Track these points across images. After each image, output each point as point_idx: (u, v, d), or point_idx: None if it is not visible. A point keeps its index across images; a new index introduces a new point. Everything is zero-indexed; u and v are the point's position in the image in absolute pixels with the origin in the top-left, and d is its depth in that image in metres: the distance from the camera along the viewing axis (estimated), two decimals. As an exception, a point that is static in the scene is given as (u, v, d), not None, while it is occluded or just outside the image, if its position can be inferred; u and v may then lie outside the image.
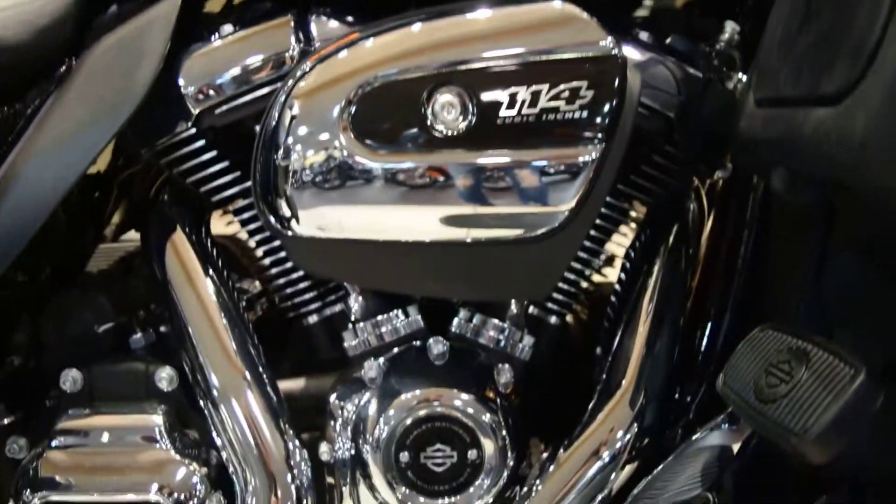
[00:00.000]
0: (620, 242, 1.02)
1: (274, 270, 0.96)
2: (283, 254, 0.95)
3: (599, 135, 0.76)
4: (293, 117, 0.81)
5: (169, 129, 0.89)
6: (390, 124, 0.79)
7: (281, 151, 0.81)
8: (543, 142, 0.76)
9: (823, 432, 0.66)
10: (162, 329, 0.99)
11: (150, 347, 0.97)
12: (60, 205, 0.98)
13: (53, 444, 0.90)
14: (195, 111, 0.88)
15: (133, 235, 1.21)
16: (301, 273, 0.95)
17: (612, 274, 1.04)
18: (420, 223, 0.80)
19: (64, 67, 0.90)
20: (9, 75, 0.90)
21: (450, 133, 0.77)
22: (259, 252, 0.98)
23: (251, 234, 0.96)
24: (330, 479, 0.90)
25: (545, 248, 0.80)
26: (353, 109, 0.78)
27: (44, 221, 0.86)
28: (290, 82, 0.81)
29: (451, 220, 0.79)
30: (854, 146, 0.62)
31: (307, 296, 0.96)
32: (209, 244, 0.95)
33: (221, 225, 1.02)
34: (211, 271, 0.92)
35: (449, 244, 0.80)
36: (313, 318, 0.97)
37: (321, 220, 0.82)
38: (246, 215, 0.94)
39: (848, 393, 0.66)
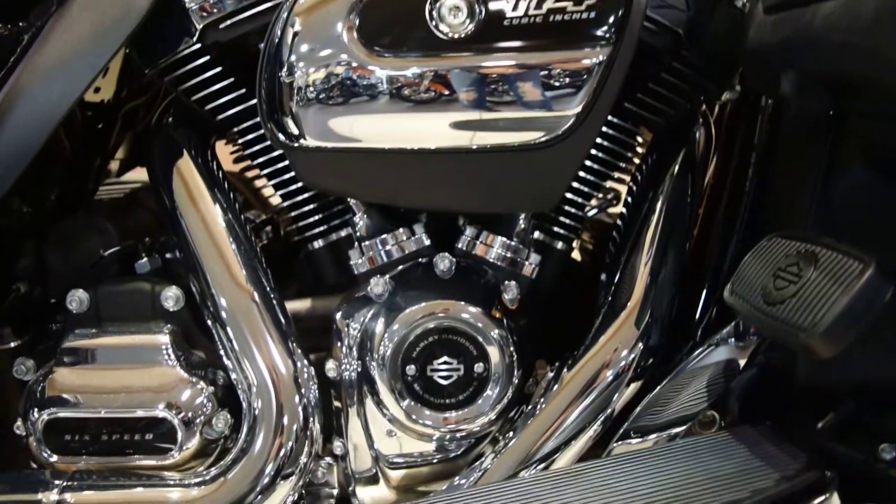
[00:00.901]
0: (623, 178, 1.01)
1: (279, 195, 0.96)
2: (287, 176, 0.94)
3: (607, 36, 0.75)
4: (296, 31, 0.80)
5: (173, 45, 0.89)
6: (396, 30, 0.78)
7: (286, 67, 0.80)
8: (550, 44, 0.76)
9: (832, 325, 0.66)
10: (167, 255, 0.99)
11: (155, 272, 0.97)
12: (64, 132, 0.98)
13: (60, 363, 0.90)
14: (199, 26, 0.88)
15: (136, 175, 1.21)
16: (306, 196, 0.94)
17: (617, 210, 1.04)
18: (425, 130, 0.79)
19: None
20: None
21: (456, 36, 0.76)
22: (263, 179, 0.97)
23: (255, 157, 0.95)
24: (336, 398, 0.90)
25: (551, 156, 0.80)
26: (358, 17, 0.77)
27: (48, 139, 0.86)
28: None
29: (456, 126, 0.79)
30: (864, 26, 0.61)
31: (312, 219, 0.96)
32: (215, 167, 0.94)
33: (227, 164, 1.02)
34: (218, 194, 0.92)
35: (454, 152, 0.80)
36: (319, 244, 0.97)
37: (327, 131, 0.81)
38: (250, 136, 0.94)
39: (857, 285, 0.65)
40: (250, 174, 1.04)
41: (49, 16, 0.88)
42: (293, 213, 0.96)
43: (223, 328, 0.88)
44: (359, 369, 0.87)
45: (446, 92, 0.78)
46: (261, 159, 0.95)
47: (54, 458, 0.88)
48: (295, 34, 0.80)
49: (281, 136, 0.83)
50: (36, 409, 0.88)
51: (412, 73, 0.78)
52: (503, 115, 0.79)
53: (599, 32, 0.76)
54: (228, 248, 0.89)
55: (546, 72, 0.77)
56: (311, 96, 0.81)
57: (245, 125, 0.93)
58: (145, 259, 0.97)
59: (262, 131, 0.92)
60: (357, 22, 0.78)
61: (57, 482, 0.84)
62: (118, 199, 1.09)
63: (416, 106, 0.79)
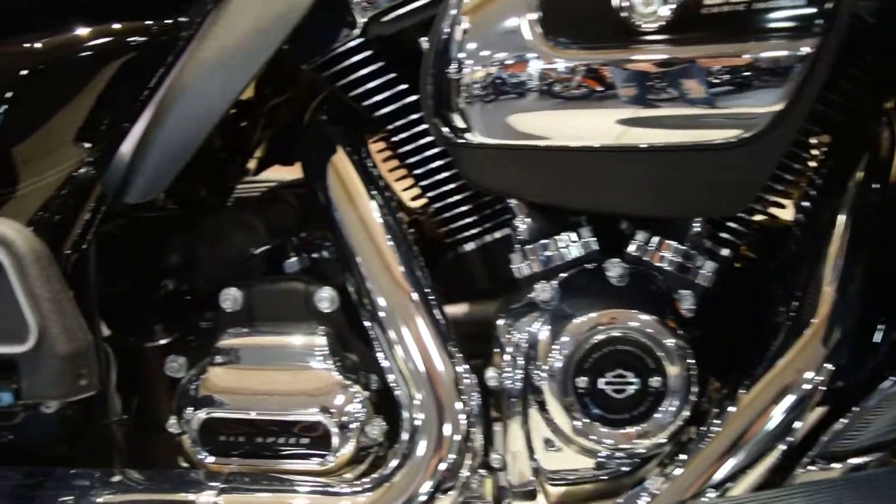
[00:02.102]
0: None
1: (429, 195, 0.92)
2: (441, 175, 0.90)
3: (817, 24, 0.68)
4: (467, 24, 0.76)
5: (334, 40, 0.86)
6: (581, 21, 0.73)
7: (455, 62, 0.76)
8: (752, 33, 0.70)
9: None
10: (314, 255, 0.96)
11: (304, 272, 0.95)
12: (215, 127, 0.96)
13: (214, 362, 0.88)
14: (362, 20, 0.85)
15: (273, 174, 1.20)
16: (459, 197, 0.90)
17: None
18: (607, 128, 0.74)
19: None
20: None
21: (648, 26, 0.71)
22: (408, 179, 0.94)
23: (406, 156, 0.91)
24: (495, 408, 0.85)
25: (745, 156, 0.73)
26: (539, 9, 0.73)
27: (209, 134, 0.84)
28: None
29: (641, 123, 0.73)
30: None
31: (465, 220, 0.92)
32: (370, 164, 0.91)
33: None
34: (375, 192, 0.89)
35: (636, 151, 0.75)
36: (470, 246, 0.93)
37: (498, 128, 0.77)
38: (404, 134, 0.90)
39: None
40: (395, 174, 1.01)
41: (208, 12, 0.87)
42: (445, 215, 0.92)
43: (381, 330, 0.85)
44: (523, 379, 0.82)
45: (633, 86, 0.73)
46: (413, 158, 0.91)
47: (209, 458, 0.86)
48: (465, 27, 0.76)
49: (447, 133, 0.79)
50: (190, 408, 0.87)
51: (597, 67, 0.73)
52: (695, 111, 0.73)
53: (809, 20, 0.69)
54: (387, 247, 0.86)
55: (747, 64, 0.70)
56: (481, 92, 0.77)
57: (400, 122, 0.90)
58: (294, 258, 0.95)
59: (417, 129, 0.89)
60: (537, 14, 0.73)
61: (213, 484, 0.82)
62: (262, 196, 1.07)
63: (599, 101, 0.74)
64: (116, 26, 0.86)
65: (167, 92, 0.85)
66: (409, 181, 0.96)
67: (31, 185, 0.85)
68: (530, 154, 0.79)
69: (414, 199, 0.97)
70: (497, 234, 0.93)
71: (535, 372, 0.81)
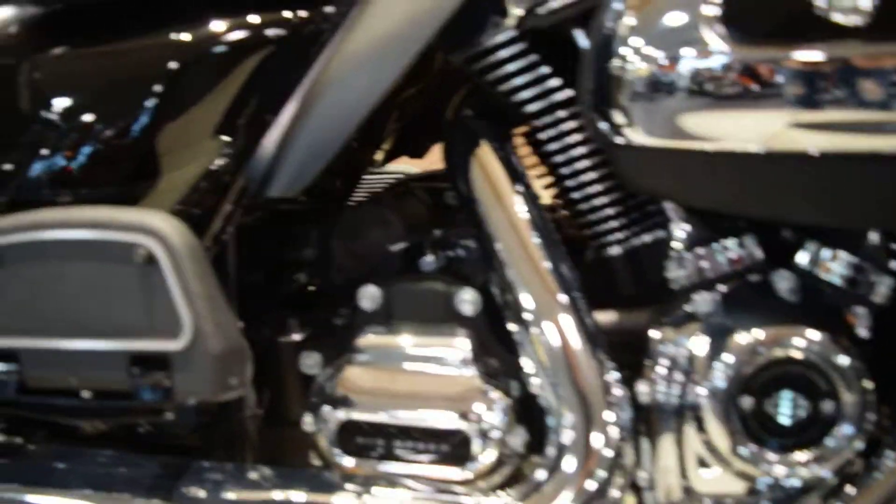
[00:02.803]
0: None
1: (574, 195, 0.87)
2: (588, 176, 0.86)
3: None
4: (633, 17, 0.72)
5: (486, 32, 0.82)
6: (769, 13, 0.68)
7: (618, 57, 0.72)
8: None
9: None
10: (452, 253, 0.93)
11: (442, 270, 0.92)
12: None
13: (351, 361, 0.86)
14: (517, 12, 0.81)
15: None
16: (609, 198, 0.86)
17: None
18: (791, 131, 0.68)
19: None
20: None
21: (847, 19, 0.64)
22: (557, 176, 0.89)
23: (554, 153, 0.87)
24: (644, 424, 0.81)
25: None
26: (722, 4, 0.68)
27: (355, 128, 0.82)
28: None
29: (831, 127, 0.68)
30: None
31: (612, 224, 0.87)
32: (515, 160, 0.87)
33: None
34: (520, 188, 0.85)
35: (822, 156, 0.68)
36: (616, 250, 0.88)
37: (664, 128, 0.73)
38: (552, 131, 0.86)
39: None
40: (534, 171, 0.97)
41: (353, 2, 0.84)
42: (590, 217, 0.87)
43: (526, 334, 0.81)
44: (680, 396, 0.77)
45: (821, 87, 0.67)
46: (559, 157, 0.87)
47: (345, 459, 0.84)
48: (631, 23, 0.72)
49: (605, 130, 0.75)
50: (327, 407, 0.85)
51: (783, 65, 0.67)
52: (887, 115, 0.66)
53: None
54: (534, 246, 0.82)
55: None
56: (646, 90, 0.72)
57: (549, 118, 0.86)
58: (431, 256, 0.92)
59: (565, 126, 0.84)
60: (715, 8, 0.68)
61: (351, 486, 0.80)
62: (394, 190, 1.04)
63: (779, 103, 0.68)
64: (254, 19, 0.84)
65: (312, 85, 0.84)
66: (548, 179, 0.92)
67: (172, 178, 0.85)
68: (698, 157, 0.74)
69: (554, 197, 0.93)
70: (645, 238, 0.88)
71: (694, 389, 0.77)
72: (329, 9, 0.86)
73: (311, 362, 0.90)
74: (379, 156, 1.16)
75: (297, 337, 0.93)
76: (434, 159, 1.13)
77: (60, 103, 0.85)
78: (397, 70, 0.81)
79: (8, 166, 0.86)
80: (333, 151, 0.82)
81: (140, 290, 0.73)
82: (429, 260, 0.92)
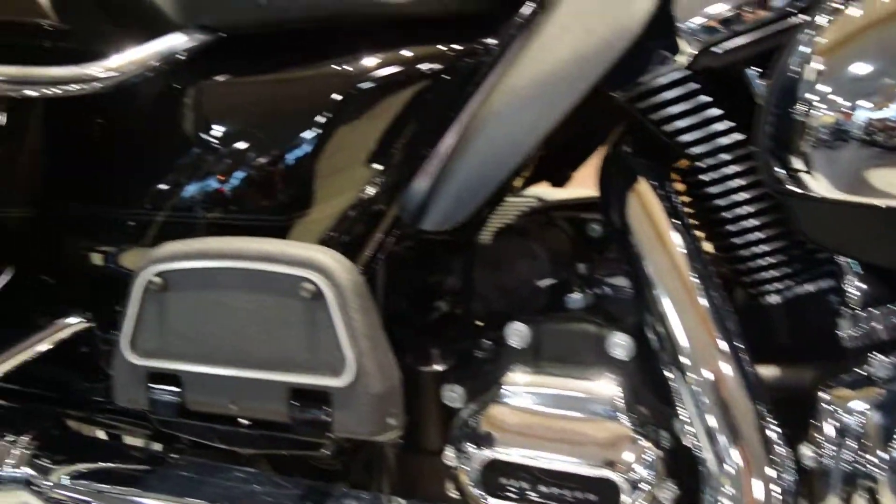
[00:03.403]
0: None
1: (738, 240, 0.84)
2: (751, 222, 0.82)
3: None
4: (822, 62, 0.67)
5: (655, 69, 0.80)
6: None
7: (804, 103, 0.68)
8: None
9: None
10: (598, 290, 0.91)
11: (589, 309, 0.89)
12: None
13: (497, 398, 0.85)
14: (693, 50, 0.77)
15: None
16: (771, 247, 0.82)
17: None
18: None
19: (535, 2, 0.83)
20: (480, 7, 0.84)
21: None
22: (714, 219, 0.86)
23: (713, 197, 0.84)
24: (806, 489, 0.77)
25: None
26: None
27: (517, 165, 0.81)
28: (820, 18, 0.67)
29: None
30: None
31: (773, 272, 0.83)
32: (676, 199, 0.84)
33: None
34: (680, 227, 0.82)
35: None
36: (775, 298, 0.84)
37: (851, 181, 0.68)
38: (715, 174, 0.83)
39: None
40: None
41: (513, 36, 0.83)
42: (750, 264, 0.84)
43: (682, 382, 0.78)
44: (852, 464, 0.73)
45: None
46: (721, 201, 0.84)
47: (489, 499, 0.83)
48: (819, 68, 0.67)
49: (782, 178, 0.71)
50: (471, 445, 0.84)
51: None
52: None
53: None
54: (695, 291, 0.79)
55: None
56: (832, 139, 0.68)
57: (713, 160, 0.82)
58: (578, 294, 0.90)
59: (730, 169, 0.81)
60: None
61: (494, 528, 0.79)
62: (536, 219, 1.03)
63: None
64: (411, 53, 0.84)
65: (471, 119, 0.83)
66: (705, 220, 0.88)
67: (326, 206, 0.85)
68: (883, 214, 0.69)
69: (709, 238, 0.90)
70: (808, 287, 0.83)
71: (868, 458, 0.72)
72: (488, 41, 0.85)
73: (453, 395, 0.89)
74: (518, 181, 1.14)
75: (439, 367, 0.92)
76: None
77: (220, 129, 0.87)
78: (564, 108, 0.79)
79: (165, 185, 0.88)
80: (493, 187, 0.81)
81: (304, 325, 0.73)
82: (576, 297, 0.91)
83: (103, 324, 0.93)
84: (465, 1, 0.83)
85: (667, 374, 0.80)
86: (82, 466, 0.97)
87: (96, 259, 0.93)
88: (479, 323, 0.93)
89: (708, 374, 0.78)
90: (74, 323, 0.96)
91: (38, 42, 0.82)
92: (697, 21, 0.76)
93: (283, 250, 0.74)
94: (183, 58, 0.86)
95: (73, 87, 0.81)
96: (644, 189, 0.84)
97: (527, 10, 0.85)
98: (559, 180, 1.12)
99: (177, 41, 0.86)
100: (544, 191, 1.17)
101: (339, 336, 0.73)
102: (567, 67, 0.79)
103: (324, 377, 0.74)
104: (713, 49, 0.78)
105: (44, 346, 0.94)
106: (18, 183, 0.90)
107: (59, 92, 0.80)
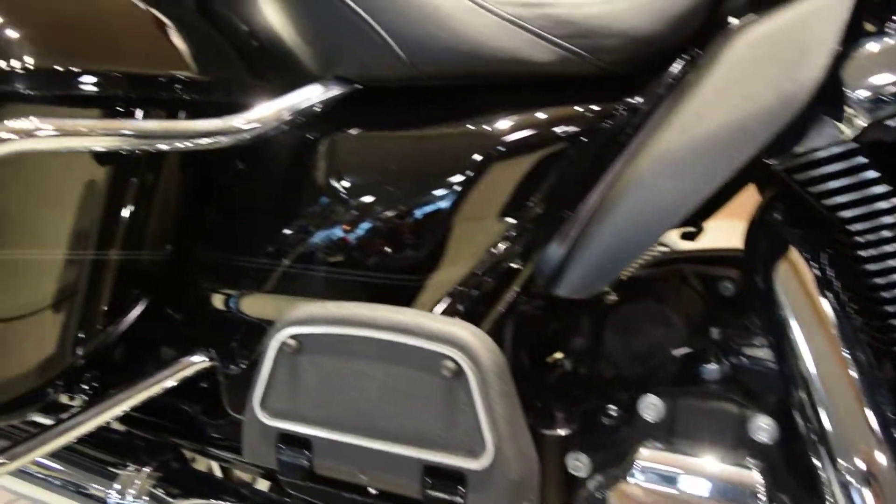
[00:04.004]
0: None
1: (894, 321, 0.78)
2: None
3: None
4: None
5: (820, 140, 0.74)
6: None
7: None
8: None
9: None
10: (735, 360, 0.86)
11: (725, 380, 0.85)
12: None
13: (626, 474, 0.82)
14: (862, 122, 0.72)
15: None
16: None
17: None
18: None
19: (684, 61, 0.79)
20: (625, 67, 0.81)
21: None
22: (870, 297, 0.80)
23: (872, 275, 0.78)
24: None
25: None
26: None
27: (663, 234, 0.77)
28: None
29: None
30: None
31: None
32: (829, 274, 0.79)
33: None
34: (832, 303, 0.76)
35: None
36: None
37: None
38: (874, 251, 0.77)
39: None
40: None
41: (661, 97, 0.79)
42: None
43: (834, 476, 0.73)
44: None
45: None
46: (880, 279, 0.78)
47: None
48: None
49: None
50: (599, 520, 0.81)
51: None
52: None
53: None
54: (848, 372, 0.74)
55: None
56: None
57: (874, 237, 0.77)
58: (714, 365, 0.86)
59: (894, 247, 0.75)
60: None
61: None
62: (666, 273, 0.98)
63: None
64: (548, 113, 0.80)
65: (614, 183, 0.79)
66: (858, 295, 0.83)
67: (455, 268, 0.83)
68: None
69: (859, 313, 0.84)
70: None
71: None
72: (632, 101, 0.81)
73: (578, 463, 0.86)
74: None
75: (562, 431, 0.89)
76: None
77: (352, 182, 0.86)
78: (719, 179, 0.74)
79: (292, 235, 0.88)
80: (636, 256, 0.77)
81: (443, 403, 0.71)
82: (712, 368, 0.86)
83: (225, 364, 0.94)
84: (612, 61, 0.79)
85: (814, 461, 0.75)
86: (196, 502, 0.98)
87: (221, 301, 0.93)
88: (608, 389, 0.89)
89: (861, 465, 0.72)
90: (199, 361, 0.96)
91: (178, 95, 0.82)
92: (870, 92, 0.71)
93: (422, 324, 0.72)
94: (319, 109, 0.85)
95: (215, 140, 0.81)
96: (796, 259, 0.80)
97: (676, 68, 0.81)
98: (691, 236, 1.07)
99: (314, 93, 0.85)
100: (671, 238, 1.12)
101: (479, 418, 0.71)
102: (724, 136, 0.74)
103: (460, 458, 0.72)
104: (886, 122, 0.72)
105: (170, 382, 0.95)
106: (151, 226, 0.91)
107: (203, 145, 0.80)
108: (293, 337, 0.76)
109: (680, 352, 0.87)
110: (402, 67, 0.82)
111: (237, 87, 0.87)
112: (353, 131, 0.87)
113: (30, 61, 0.75)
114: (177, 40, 0.86)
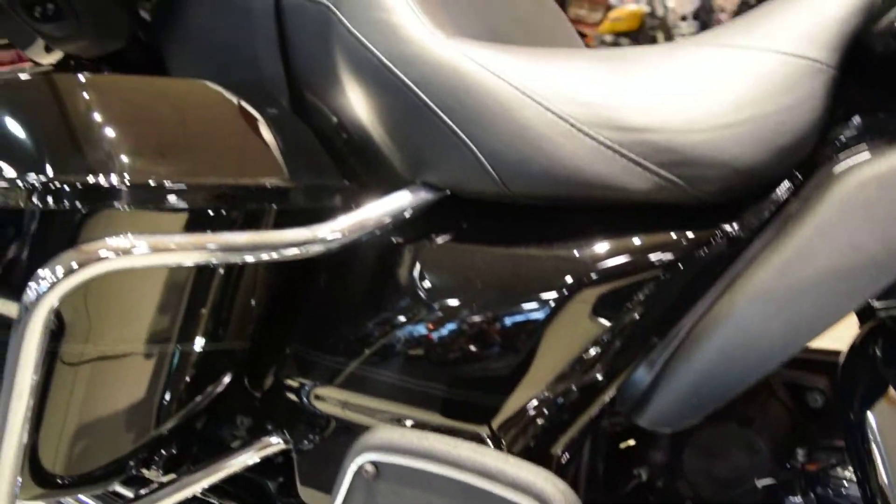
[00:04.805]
0: None
1: None
2: None
3: None
4: None
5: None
6: None
7: None
8: None
9: None
10: (822, 491, 0.84)
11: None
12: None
13: None
14: None
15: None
16: None
17: None
18: None
19: (786, 190, 0.76)
20: (723, 196, 0.78)
21: None
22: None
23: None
24: None
25: None
26: None
27: (761, 377, 0.74)
28: None
29: None
30: None
31: None
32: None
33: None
34: None
35: None
36: None
37: None
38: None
39: None
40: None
41: (764, 228, 0.76)
42: None
43: None
44: None
45: None
46: None
47: None
48: None
49: None
50: None
51: None
52: None
53: None
54: None
55: None
56: None
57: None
58: (799, 498, 0.83)
59: None
60: None
61: None
62: (757, 396, 0.95)
63: None
64: (635, 241, 0.78)
65: (706, 315, 0.77)
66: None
67: (534, 390, 0.82)
68: None
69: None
70: None
71: None
72: (728, 228, 0.78)
73: None
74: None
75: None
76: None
77: (435, 291, 0.85)
78: (823, 324, 0.71)
79: (369, 336, 0.88)
80: (728, 395, 0.75)
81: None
82: (797, 501, 0.83)
83: (299, 451, 0.95)
84: (710, 191, 0.76)
85: None
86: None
87: (298, 390, 0.94)
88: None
89: None
90: (275, 442, 0.98)
91: (267, 204, 0.83)
92: None
93: (505, 470, 0.71)
94: (407, 215, 0.85)
95: (302, 251, 0.81)
96: (893, 400, 0.76)
97: (778, 197, 0.77)
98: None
99: (402, 200, 0.85)
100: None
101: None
102: (828, 283, 0.71)
103: None
104: None
105: (247, 460, 0.97)
106: (235, 321, 0.93)
107: (289, 256, 0.81)
108: (372, 463, 0.77)
109: (764, 482, 0.85)
110: (493, 186, 0.81)
111: (325, 192, 0.87)
112: (441, 239, 0.86)
113: (127, 178, 0.76)
114: (269, 140, 0.87)
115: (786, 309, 0.72)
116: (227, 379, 0.99)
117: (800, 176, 0.77)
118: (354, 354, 0.89)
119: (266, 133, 0.88)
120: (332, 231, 0.83)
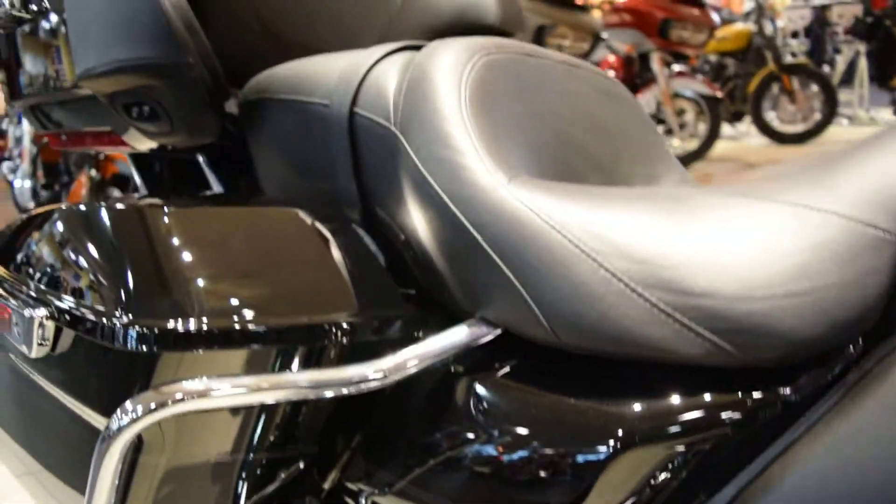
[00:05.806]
0: None
1: None
2: None
3: None
4: None
5: None
6: None
7: None
8: None
9: None
10: None
11: None
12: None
13: None
14: None
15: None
16: None
17: None
18: None
19: (847, 360, 0.74)
20: (774, 365, 0.77)
21: None
22: None
23: None
24: None
25: None
26: None
27: None
28: None
29: None
30: None
31: None
32: None
33: None
34: None
35: None
36: None
37: None
38: None
39: None
40: None
41: (823, 398, 0.75)
42: None
43: None
44: None
45: None
46: None
47: None
48: None
49: None
50: None
51: None
52: None
53: None
54: None
55: None
56: None
57: None
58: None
59: None
60: None
61: None
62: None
63: None
64: (712, 398, 0.78)
65: (752, 486, 0.76)
66: None
67: None
68: None
69: None
70: None
71: None
72: (783, 392, 0.77)
73: None
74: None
75: None
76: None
77: (486, 428, 0.86)
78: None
79: (416, 465, 0.90)
80: None
81: None
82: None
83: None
84: (762, 359, 0.75)
85: None
86: None
87: (356, 495, 0.98)
88: None
89: None
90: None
91: (333, 340, 0.87)
92: None
93: None
94: (463, 350, 0.87)
95: (362, 387, 0.85)
96: None
97: (834, 369, 0.76)
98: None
99: (459, 335, 0.88)
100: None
101: None
102: (890, 467, 0.69)
103: None
104: None
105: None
106: (299, 432, 0.97)
107: (348, 392, 0.84)
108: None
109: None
110: (545, 333, 0.82)
111: (387, 325, 0.91)
112: (495, 375, 0.88)
113: (205, 322, 0.81)
114: (343, 272, 0.91)
115: (834, 496, 0.71)
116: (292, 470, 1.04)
117: (862, 344, 0.76)
118: (406, 470, 0.92)
119: (340, 262, 0.92)
120: (391, 367, 0.86)
